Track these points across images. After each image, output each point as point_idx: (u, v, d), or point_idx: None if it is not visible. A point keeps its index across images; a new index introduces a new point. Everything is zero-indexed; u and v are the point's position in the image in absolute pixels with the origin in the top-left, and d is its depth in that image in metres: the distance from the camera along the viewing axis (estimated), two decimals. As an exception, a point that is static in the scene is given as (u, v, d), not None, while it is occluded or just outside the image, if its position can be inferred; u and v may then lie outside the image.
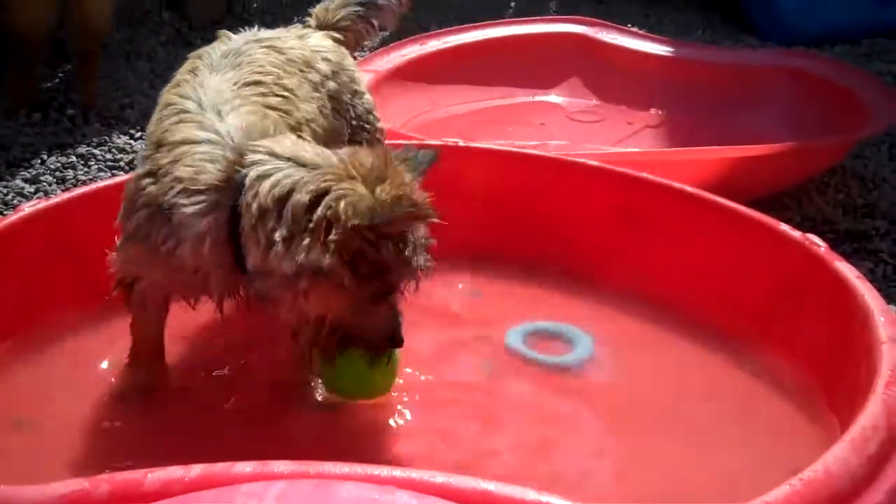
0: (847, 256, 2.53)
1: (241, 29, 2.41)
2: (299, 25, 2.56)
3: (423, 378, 2.32)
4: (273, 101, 2.16)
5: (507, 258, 2.82)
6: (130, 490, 1.49)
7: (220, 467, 1.51)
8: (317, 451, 2.11)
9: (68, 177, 3.68)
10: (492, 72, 4.39)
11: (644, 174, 2.80)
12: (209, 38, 2.41)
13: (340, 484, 1.47)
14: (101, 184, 2.75)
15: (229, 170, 1.96)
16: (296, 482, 1.47)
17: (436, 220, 1.95)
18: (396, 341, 2.05)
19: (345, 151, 1.99)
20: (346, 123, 2.40)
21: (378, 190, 1.87)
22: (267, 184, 1.91)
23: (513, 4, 5.87)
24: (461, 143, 3.05)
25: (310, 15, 2.63)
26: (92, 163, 3.80)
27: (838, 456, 1.67)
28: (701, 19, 5.78)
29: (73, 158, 3.80)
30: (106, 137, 3.97)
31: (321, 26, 2.57)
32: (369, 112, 2.52)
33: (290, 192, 1.89)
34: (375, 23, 2.68)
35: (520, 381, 2.40)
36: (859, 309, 2.16)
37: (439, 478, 1.50)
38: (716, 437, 2.21)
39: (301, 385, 2.28)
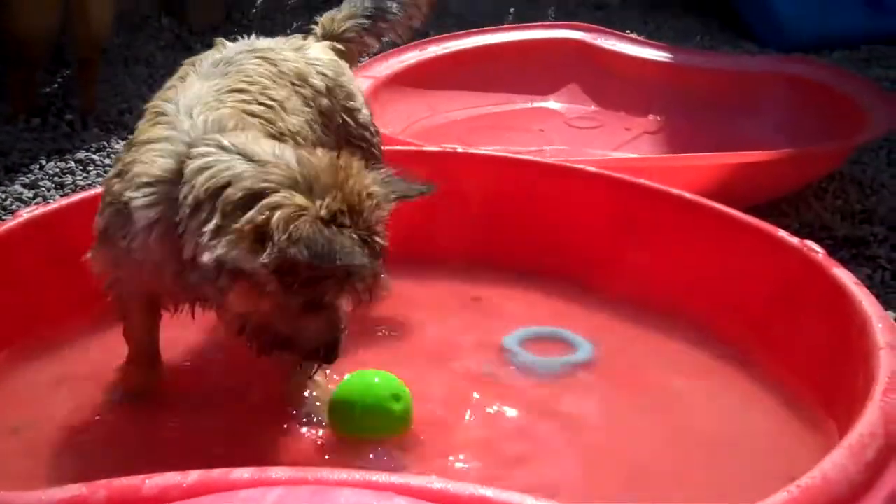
0: (845, 262, 2.53)
1: (241, 36, 2.40)
2: (299, 36, 2.55)
3: (420, 383, 2.32)
4: (255, 108, 2.15)
5: (505, 264, 2.83)
6: (128, 495, 1.49)
7: (217, 473, 1.50)
8: (315, 457, 2.12)
9: (67, 182, 3.68)
10: (491, 78, 4.40)
11: (642, 180, 2.80)
12: (208, 44, 2.42)
13: (338, 490, 1.47)
14: (99, 189, 2.75)
15: (178, 162, 1.97)
16: (293, 488, 1.47)
17: (381, 244, 1.92)
18: (326, 356, 2.00)
19: (304, 153, 1.96)
20: (337, 140, 2.38)
21: (319, 203, 1.84)
22: (205, 175, 1.91)
23: (512, 10, 5.88)
24: (460, 149, 3.05)
25: (310, 22, 2.62)
26: (91, 168, 3.80)
27: (836, 463, 1.67)
28: (699, 25, 5.78)
29: (72, 164, 3.80)
30: (105, 143, 3.97)
31: (326, 36, 2.56)
32: (366, 127, 2.49)
33: (225, 186, 1.89)
34: (382, 36, 2.67)
35: (518, 386, 2.39)
36: (857, 315, 2.16)
37: (437, 484, 1.49)
38: (713, 442, 2.21)
39: (299, 392, 2.26)
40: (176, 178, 1.96)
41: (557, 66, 4.52)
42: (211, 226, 1.87)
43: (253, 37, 2.42)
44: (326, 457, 2.12)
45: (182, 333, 2.36)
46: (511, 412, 2.29)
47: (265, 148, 1.95)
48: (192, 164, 1.94)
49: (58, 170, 3.75)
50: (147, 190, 1.98)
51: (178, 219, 1.93)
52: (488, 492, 1.49)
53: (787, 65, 4.50)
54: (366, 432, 2.12)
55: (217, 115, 2.05)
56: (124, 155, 2.08)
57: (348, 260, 1.82)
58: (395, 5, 2.64)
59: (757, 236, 2.56)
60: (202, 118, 2.04)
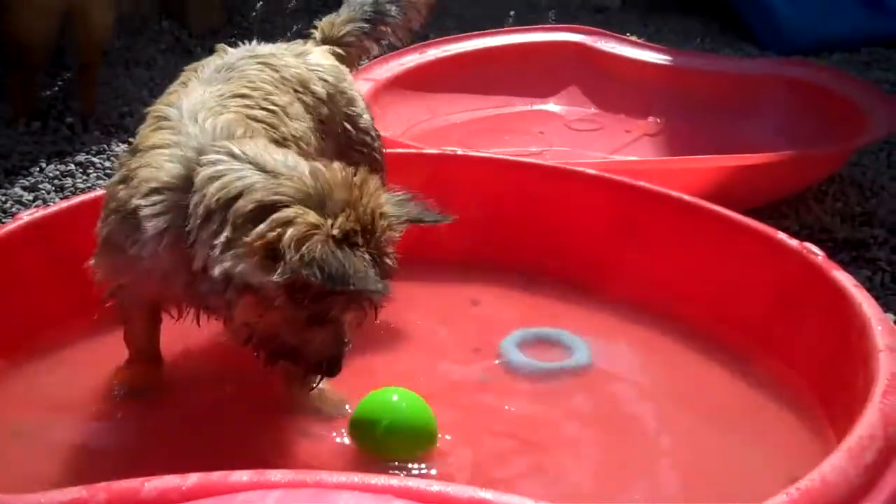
0: (845, 265, 2.53)
1: (241, 40, 2.41)
2: (300, 41, 2.55)
3: (419, 386, 2.32)
4: (258, 113, 2.14)
5: (504, 266, 2.83)
6: (128, 498, 1.49)
7: (217, 476, 1.51)
8: (315, 459, 2.12)
9: (67, 185, 3.68)
10: (491, 80, 4.40)
11: (642, 183, 2.80)
12: (208, 47, 2.42)
13: (337, 493, 1.47)
14: (99, 192, 2.75)
15: (188, 169, 1.95)
16: (293, 491, 1.47)
17: (390, 266, 1.90)
18: (329, 370, 1.99)
19: (319, 166, 1.93)
20: (338, 146, 2.38)
21: (331, 222, 1.83)
22: (216, 185, 1.89)
23: (512, 13, 5.88)
24: (460, 152, 3.05)
25: (310, 25, 2.62)
26: (91, 171, 3.80)
27: (835, 465, 1.67)
28: (700, 28, 5.79)
29: (72, 166, 3.81)
30: (105, 146, 3.97)
31: (325, 40, 2.55)
32: (367, 133, 2.49)
33: (236, 197, 1.87)
34: (382, 40, 2.67)
35: (516, 388, 2.40)
36: (857, 318, 2.16)
37: (436, 486, 1.50)
38: (713, 445, 2.22)
39: (301, 395, 2.26)
40: (184, 184, 1.94)
41: (557, 68, 4.52)
42: (222, 238, 1.85)
43: (254, 42, 2.42)
44: (330, 457, 2.12)
45: (182, 335, 2.35)
46: (508, 415, 2.29)
47: (277, 158, 1.93)
48: (203, 172, 1.92)
49: (58, 173, 3.76)
50: (156, 198, 1.96)
51: (188, 228, 1.92)
52: (487, 494, 1.49)
53: (787, 67, 4.50)
54: (390, 452, 2.09)
55: (223, 120, 2.04)
56: (128, 160, 2.06)
57: (361, 285, 1.80)
58: (394, 8, 2.64)
59: (756, 239, 2.56)
60: (208, 123, 2.03)
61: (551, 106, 4.48)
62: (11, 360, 2.36)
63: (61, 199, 3.52)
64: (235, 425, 2.21)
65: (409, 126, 4.03)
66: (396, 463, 2.07)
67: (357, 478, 1.51)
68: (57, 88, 4.42)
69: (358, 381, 2.27)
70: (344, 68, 2.52)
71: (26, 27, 3.92)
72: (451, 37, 4.56)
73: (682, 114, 4.30)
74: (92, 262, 2.13)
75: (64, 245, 2.51)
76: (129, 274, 2.06)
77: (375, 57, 3.58)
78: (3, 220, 3.31)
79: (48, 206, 2.93)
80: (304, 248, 1.78)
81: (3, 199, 3.55)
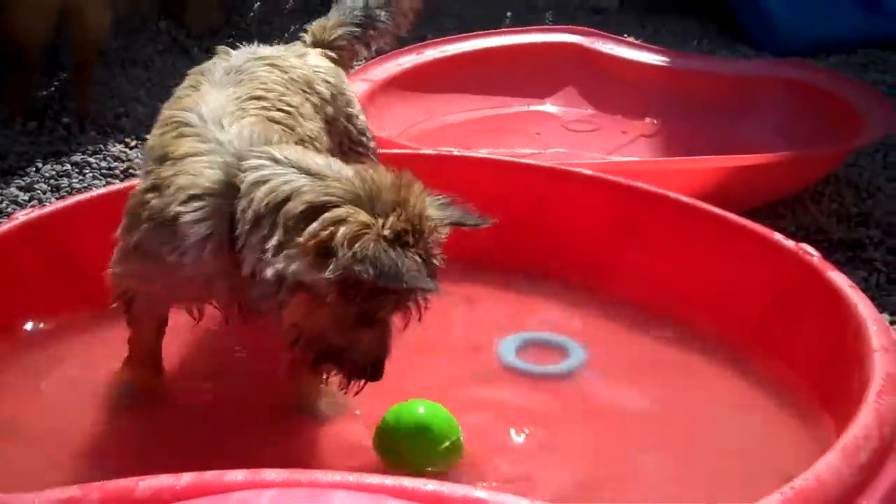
0: (841, 265, 2.54)
1: (239, 43, 2.41)
2: (299, 43, 2.56)
3: (411, 385, 2.33)
4: (276, 115, 2.15)
5: (501, 267, 2.82)
6: (122, 497, 1.49)
7: (211, 475, 1.50)
8: (311, 461, 2.12)
9: (63, 185, 3.68)
10: (488, 81, 4.40)
11: (641, 184, 2.80)
12: (206, 47, 2.43)
13: (332, 492, 1.47)
14: (95, 192, 2.76)
15: (229, 175, 1.95)
16: (287, 490, 1.47)
17: (436, 268, 1.91)
18: (372, 374, 1.98)
19: (362, 167, 1.95)
20: (339, 146, 2.39)
21: (382, 222, 1.84)
22: (263, 189, 1.90)
23: (509, 14, 5.88)
24: (456, 153, 3.05)
25: (306, 28, 2.63)
26: (87, 171, 3.80)
27: (830, 464, 1.67)
28: (697, 29, 5.79)
29: (68, 166, 3.81)
30: (101, 146, 3.97)
31: (316, 44, 2.56)
32: (363, 133, 2.51)
33: (285, 200, 1.87)
34: (372, 44, 2.67)
35: (511, 391, 2.39)
36: (852, 318, 2.17)
37: (430, 486, 1.50)
38: (709, 444, 2.21)
39: (299, 396, 2.27)
40: (226, 190, 1.94)
41: (554, 69, 4.52)
42: (273, 241, 1.86)
43: (255, 44, 2.42)
44: (328, 457, 2.13)
45: (182, 335, 2.36)
46: (504, 416, 2.28)
47: (319, 162, 1.95)
48: (248, 178, 1.92)
49: (54, 173, 3.75)
50: (197, 203, 1.95)
51: (236, 234, 1.91)
52: (482, 494, 1.49)
53: (784, 69, 4.50)
54: (415, 466, 2.05)
55: (248, 124, 2.05)
56: (156, 169, 2.03)
57: (413, 283, 1.82)
58: (384, 13, 2.65)
59: (753, 239, 2.57)
60: (235, 129, 2.03)
61: (548, 107, 4.49)
62: (8, 359, 2.36)
63: (57, 199, 3.52)
64: (233, 425, 2.21)
65: (406, 126, 4.03)
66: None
67: (352, 477, 1.51)
68: (53, 88, 4.41)
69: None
70: (341, 70, 2.53)
71: (23, 27, 3.92)
72: (449, 37, 4.57)
73: (679, 114, 4.31)
74: (115, 269, 2.10)
75: (60, 245, 2.52)
76: (164, 281, 2.05)
77: (364, 61, 3.59)
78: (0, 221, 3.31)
79: (44, 205, 2.92)
80: (356, 245, 1.80)
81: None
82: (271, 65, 2.28)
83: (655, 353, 2.55)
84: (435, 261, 1.92)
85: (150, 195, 2.02)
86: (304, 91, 2.30)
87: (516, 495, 1.51)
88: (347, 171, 1.92)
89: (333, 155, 2.23)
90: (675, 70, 4.49)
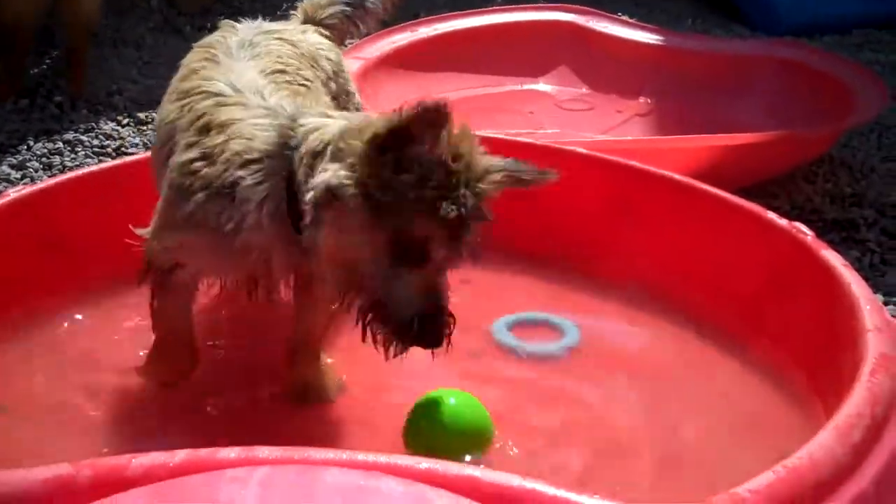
0: (834, 245, 2.53)
1: (241, 17, 2.39)
2: (293, 17, 2.56)
3: (406, 367, 2.32)
4: (300, 89, 2.15)
5: (495, 247, 2.80)
6: (114, 475, 1.48)
7: (204, 453, 1.50)
8: (308, 440, 2.11)
9: (55, 163, 3.67)
10: (481, 60, 4.38)
11: (634, 162, 2.80)
12: (198, 25, 2.41)
13: (325, 469, 1.47)
14: (87, 170, 2.74)
15: (283, 135, 1.92)
16: (280, 467, 1.46)
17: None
18: (420, 333, 1.84)
19: None
20: None
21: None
22: (316, 133, 1.89)
23: (503, -8, 5.85)
24: (450, 131, 3.03)
25: (300, 3, 2.61)
26: (79, 149, 3.78)
27: (823, 444, 1.67)
28: (691, 8, 5.77)
29: (60, 145, 3.79)
30: (93, 124, 3.95)
31: (308, 22, 2.55)
32: (359, 111, 2.49)
33: (337, 137, 1.86)
34: (360, 24, 2.66)
35: (506, 371, 2.40)
36: (846, 297, 2.16)
37: (424, 464, 1.49)
38: (702, 424, 2.22)
39: (300, 376, 2.26)
40: (280, 152, 1.91)
41: (548, 48, 4.50)
42: (320, 168, 1.84)
43: (259, 20, 2.41)
44: (324, 437, 2.12)
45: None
46: (496, 396, 2.28)
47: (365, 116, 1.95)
48: (302, 129, 1.91)
49: (46, 151, 3.74)
50: (255, 167, 1.92)
51: (297, 182, 1.88)
52: (476, 472, 1.49)
53: (778, 48, 4.49)
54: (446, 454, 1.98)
55: (287, 95, 2.05)
56: (202, 139, 1.99)
57: (430, 116, 1.74)
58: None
59: (747, 218, 2.56)
60: (277, 98, 2.02)
61: (542, 86, 4.47)
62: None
63: (49, 177, 3.50)
64: (239, 409, 2.21)
65: (399, 105, 4.00)
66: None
67: (345, 454, 1.51)
68: (45, 66, 4.39)
69: (346, 356, 2.29)
70: (338, 48, 2.53)
71: (15, 10, 3.90)
72: (442, 15, 4.54)
73: (673, 94, 4.29)
74: (158, 243, 2.04)
75: (51, 223, 2.50)
76: (218, 253, 1.99)
77: (355, 40, 3.57)
78: (-9, 198, 3.29)
79: (35, 183, 2.91)
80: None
81: (-9, 177, 3.54)
82: (280, 38, 2.27)
83: (649, 332, 2.56)
84: (484, 208, 1.85)
85: (199, 164, 1.97)
86: (313, 66, 2.30)
87: (508, 473, 1.51)
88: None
89: None
90: (670, 49, 4.48)
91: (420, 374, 2.17)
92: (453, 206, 1.77)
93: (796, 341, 2.35)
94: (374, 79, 3.82)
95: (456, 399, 2.09)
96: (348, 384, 2.28)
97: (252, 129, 1.96)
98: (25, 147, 3.75)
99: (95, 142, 3.83)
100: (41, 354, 2.35)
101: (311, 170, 1.86)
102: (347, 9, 2.59)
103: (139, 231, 2.09)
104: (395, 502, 1.42)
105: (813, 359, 2.27)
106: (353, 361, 2.29)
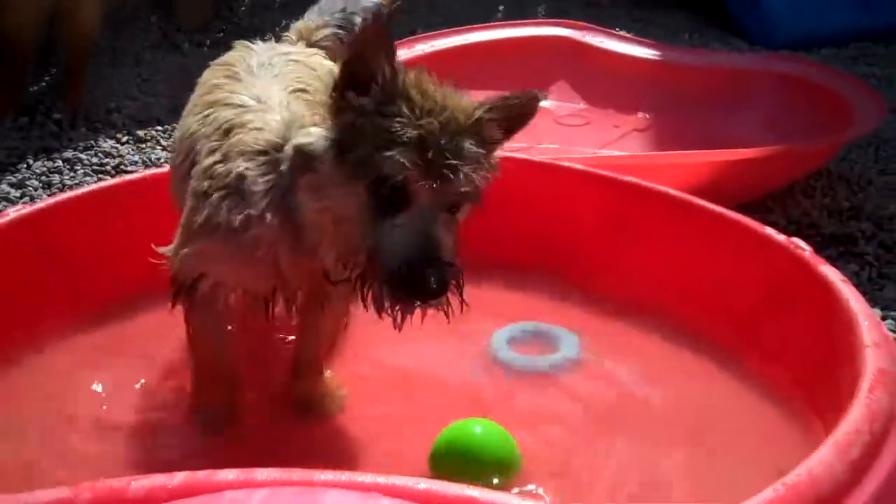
0: (832, 260, 2.54)
1: (241, 34, 2.40)
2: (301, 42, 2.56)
3: (404, 380, 2.33)
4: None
5: (492, 260, 2.82)
6: (114, 497, 1.48)
7: (203, 475, 1.50)
8: (306, 460, 2.11)
9: (54, 181, 3.67)
10: (478, 76, 4.33)
11: (631, 178, 2.80)
12: (197, 41, 2.42)
13: (324, 491, 1.47)
14: (87, 188, 2.75)
15: (287, 132, 1.92)
16: (279, 489, 1.46)
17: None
18: (409, 279, 1.71)
19: None
20: None
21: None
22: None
23: (501, 8, 5.88)
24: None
25: (299, 20, 2.63)
26: (78, 167, 3.79)
27: (822, 460, 1.67)
28: (689, 23, 5.79)
29: (59, 163, 3.79)
30: (92, 142, 3.96)
31: (297, 43, 2.56)
32: None
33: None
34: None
35: (504, 384, 2.40)
36: (843, 313, 2.16)
37: (422, 484, 1.49)
38: (700, 440, 2.22)
39: (298, 394, 2.27)
40: (284, 144, 1.91)
41: (546, 63, 4.51)
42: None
43: (272, 41, 2.42)
44: (318, 459, 2.10)
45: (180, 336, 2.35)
46: (495, 409, 2.28)
47: None
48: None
49: (45, 169, 3.74)
50: (261, 158, 1.91)
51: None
52: (474, 492, 1.49)
53: (776, 62, 4.51)
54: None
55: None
56: (222, 140, 1.99)
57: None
58: (359, 18, 2.65)
59: (745, 234, 2.56)
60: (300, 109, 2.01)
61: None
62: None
63: (48, 195, 3.51)
64: (244, 425, 2.21)
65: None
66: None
67: (344, 476, 1.51)
68: (44, 84, 4.40)
69: (345, 370, 2.29)
70: None
71: (14, 25, 3.91)
72: (439, 32, 4.55)
73: (671, 109, 4.30)
74: (179, 254, 2.01)
75: (51, 242, 2.51)
76: (231, 256, 1.96)
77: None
78: (-10, 217, 3.30)
79: (35, 202, 2.92)
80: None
81: (-10, 195, 3.54)
82: (295, 61, 2.28)
83: (647, 348, 2.56)
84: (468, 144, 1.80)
85: (217, 166, 1.97)
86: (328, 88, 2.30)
87: (507, 493, 1.51)
88: None
89: None
90: (667, 64, 4.49)
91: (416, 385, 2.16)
92: (415, 132, 1.73)
93: (794, 357, 2.35)
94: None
95: (483, 428, 2.08)
96: (350, 398, 2.28)
97: (265, 122, 1.96)
98: (25, 165, 3.75)
99: (95, 160, 3.84)
100: (40, 375, 2.35)
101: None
102: (340, 31, 2.60)
103: (162, 249, 2.07)
104: (395, 523, 1.42)
105: (811, 374, 2.27)
106: (348, 373, 2.30)
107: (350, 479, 1.50)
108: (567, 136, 4.17)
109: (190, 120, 2.15)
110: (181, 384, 2.32)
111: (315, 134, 1.82)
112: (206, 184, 1.98)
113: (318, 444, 2.18)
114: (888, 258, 3.30)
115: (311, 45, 2.54)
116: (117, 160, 3.84)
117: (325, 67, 2.37)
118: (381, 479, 1.50)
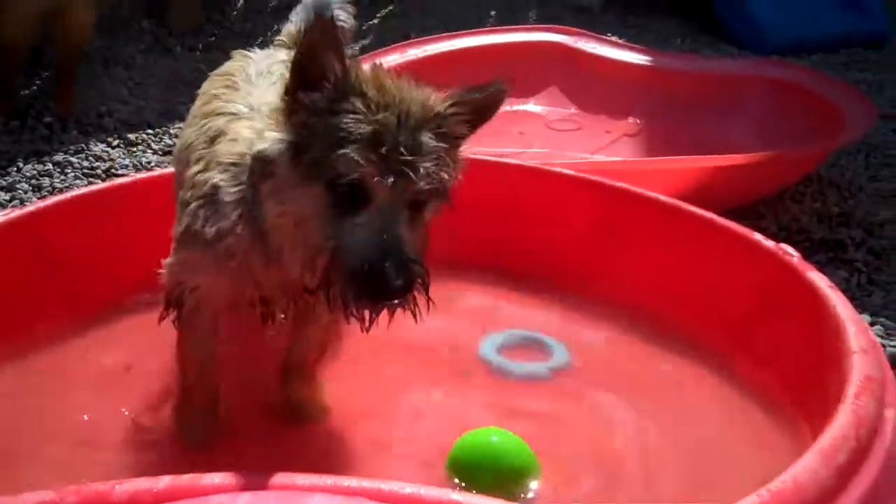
0: (822, 266, 2.55)
1: (233, 38, 2.40)
2: (279, 43, 2.56)
3: (393, 386, 2.33)
4: None
5: (482, 266, 2.83)
6: (99, 501, 1.48)
7: (187, 478, 1.50)
8: (292, 465, 2.11)
9: (44, 185, 3.67)
10: (471, 80, 4.37)
11: (621, 184, 2.81)
12: (188, 46, 2.42)
13: (308, 495, 1.47)
14: (77, 192, 2.74)
15: (256, 141, 1.89)
16: (262, 493, 1.46)
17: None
18: (370, 277, 1.66)
19: None
20: None
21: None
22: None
23: (493, 13, 5.88)
24: (438, 152, 3.03)
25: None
26: (69, 171, 3.78)
27: (807, 466, 1.67)
28: (680, 29, 5.81)
29: (50, 166, 3.79)
30: (83, 145, 3.96)
31: (291, 48, 2.56)
32: None
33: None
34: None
35: (493, 391, 2.40)
36: (831, 319, 2.17)
37: (408, 489, 1.49)
38: (689, 446, 2.22)
39: (287, 400, 2.27)
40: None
41: (538, 68, 4.53)
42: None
43: (269, 49, 2.42)
44: (318, 460, 2.12)
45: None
46: (486, 415, 2.29)
47: None
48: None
49: (35, 172, 3.74)
50: (233, 170, 1.90)
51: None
52: (459, 496, 1.49)
53: (766, 68, 4.53)
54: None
55: None
56: (208, 150, 1.99)
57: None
58: (343, 14, 2.65)
59: (733, 240, 2.57)
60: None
61: (531, 106, 4.49)
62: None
63: (39, 198, 3.50)
64: (221, 427, 2.20)
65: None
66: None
67: (330, 480, 1.51)
68: (35, 88, 4.40)
69: (333, 379, 2.29)
70: None
71: (8, 30, 3.91)
72: (432, 36, 4.56)
73: (662, 114, 4.32)
74: (166, 265, 2.02)
75: (41, 245, 2.50)
76: (208, 266, 1.95)
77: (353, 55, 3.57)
78: (-20, 220, 3.29)
79: (25, 205, 2.91)
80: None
81: (-20, 199, 3.53)
82: None
83: (636, 354, 2.56)
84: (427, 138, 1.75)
85: (198, 175, 1.96)
86: None
87: (493, 497, 1.51)
88: None
89: None
90: (659, 69, 4.51)
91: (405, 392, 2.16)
92: (369, 128, 1.69)
93: (783, 362, 2.35)
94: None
95: (499, 437, 2.08)
96: (334, 402, 2.28)
97: (240, 133, 1.94)
98: (15, 169, 3.75)
99: (85, 163, 3.83)
100: (30, 375, 2.34)
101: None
102: None
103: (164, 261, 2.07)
104: (380, 528, 1.42)
105: (802, 380, 2.27)
106: (335, 381, 2.30)
107: (336, 483, 1.50)
108: (558, 141, 4.18)
109: (188, 131, 2.15)
110: (171, 387, 2.32)
111: (269, 138, 1.79)
112: (188, 193, 1.98)
113: (305, 449, 2.17)
114: (877, 264, 3.31)
115: None
116: (108, 164, 3.84)
117: None
118: (366, 483, 1.50)
